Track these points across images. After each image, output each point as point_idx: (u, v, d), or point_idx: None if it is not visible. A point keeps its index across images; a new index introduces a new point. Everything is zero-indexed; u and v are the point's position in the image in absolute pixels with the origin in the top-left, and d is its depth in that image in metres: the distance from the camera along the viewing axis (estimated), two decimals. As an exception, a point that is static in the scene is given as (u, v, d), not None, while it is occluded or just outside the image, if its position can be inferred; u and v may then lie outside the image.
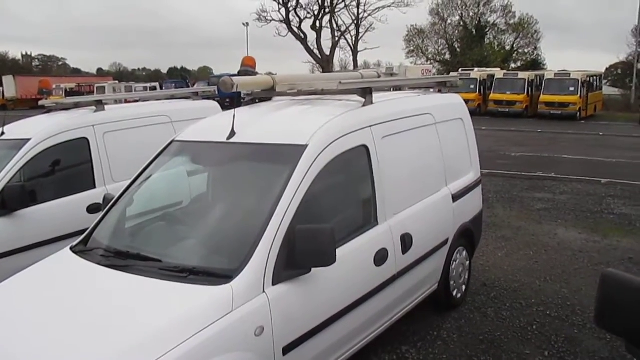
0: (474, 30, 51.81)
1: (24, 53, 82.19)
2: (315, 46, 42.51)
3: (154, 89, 45.59)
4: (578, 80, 26.30)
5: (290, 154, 3.42)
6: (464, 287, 5.35)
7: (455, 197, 4.95)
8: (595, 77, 30.10)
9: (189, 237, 3.40)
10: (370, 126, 3.94)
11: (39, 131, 5.55)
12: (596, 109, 29.69)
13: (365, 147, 3.87)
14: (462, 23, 52.21)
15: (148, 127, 6.42)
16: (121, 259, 3.26)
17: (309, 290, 3.22)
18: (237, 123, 3.63)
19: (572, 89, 26.07)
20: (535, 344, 4.51)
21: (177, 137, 4.22)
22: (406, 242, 4.04)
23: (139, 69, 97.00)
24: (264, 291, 2.98)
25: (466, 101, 5.85)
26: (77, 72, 77.38)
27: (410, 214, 4.25)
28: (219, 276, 2.95)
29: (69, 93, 48.85)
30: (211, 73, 61.13)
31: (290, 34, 41.54)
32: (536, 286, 5.74)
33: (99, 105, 6.16)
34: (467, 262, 5.37)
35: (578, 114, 26.31)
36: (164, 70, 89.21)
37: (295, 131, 3.65)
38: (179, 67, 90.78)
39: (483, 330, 4.74)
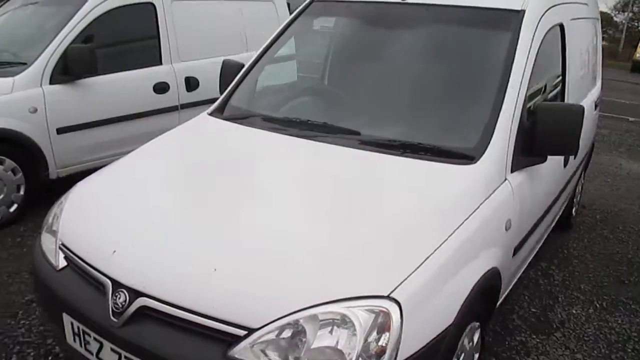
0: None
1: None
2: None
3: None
4: None
5: (505, 19, 2.74)
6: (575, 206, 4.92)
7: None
8: None
9: (389, 109, 2.70)
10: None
11: (101, -12, 4.59)
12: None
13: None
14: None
15: (215, 1, 5.52)
16: (305, 129, 2.57)
17: (535, 184, 2.63)
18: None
19: None
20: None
21: (315, -5, 3.42)
22: None
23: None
24: (506, 179, 2.36)
25: None
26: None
27: None
28: (459, 156, 2.30)
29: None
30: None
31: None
32: (636, 210, 5.39)
33: (164, -33, 5.17)
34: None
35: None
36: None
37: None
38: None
39: (612, 251, 4.38)
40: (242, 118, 2.81)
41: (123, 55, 4.76)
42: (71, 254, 2.01)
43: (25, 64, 4.16)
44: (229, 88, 3.15)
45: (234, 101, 3.06)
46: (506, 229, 2.30)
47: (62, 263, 2.04)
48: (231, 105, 3.03)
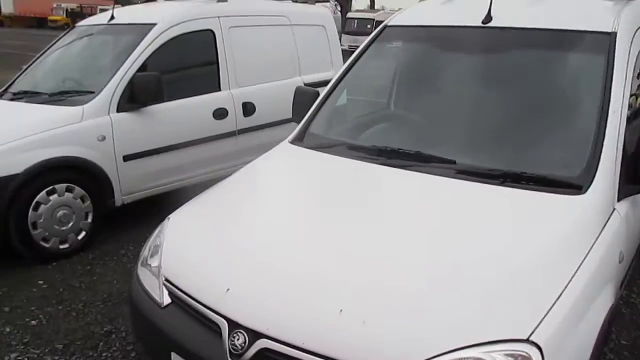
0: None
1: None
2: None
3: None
4: None
5: (596, 42, 2.65)
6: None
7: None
8: None
9: (484, 137, 2.62)
10: None
11: (164, 16, 4.70)
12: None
13: None
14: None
15: (269, 27, 5.60)
16: (395, 158, 2.50)
17: (637, 212, 2.50)
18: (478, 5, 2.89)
19: None
20: None
21: (391, 22, 3.40)
22: None
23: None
24: (614, 208, 2.24)
25: None
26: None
27: None
28: (565, 185, 2.21)
29: (70, 13, 46.76)
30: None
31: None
32: None
33: (221, -7, 5.23)
34: None
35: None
36: None
37: (588, 15, 2.84)
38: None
39: None
40: (327, 147, 2.76)
41: (185, 82, 4.80)
42: (177, 291, 1.97)
43: (92, 92, 4.21)
44: (307, 116, 3.11)
45: (314, 129, 3.02)
46: (619, 261, 2.19)
47: (167, 300, 2.00)
48: (311, 133, 2.99)
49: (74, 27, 5.41)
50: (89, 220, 4.10)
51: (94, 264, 3.92)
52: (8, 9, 47.73)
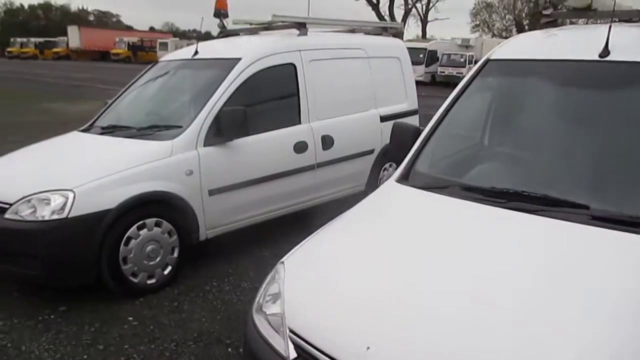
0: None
1: (80, 7, 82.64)
2: (387, 13, 40.74)
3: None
4: None
5: None
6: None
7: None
8: None
9: (617, 179, 2.42)
10: None
11: (249, 51, 4.72)
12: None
13: None
14: (532, -1, 49.78)
15: (346, 60, 5.60)
16: (519, 201, 2.33)
17: None
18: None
19: None
20: None
21: (493, 56, 3.24)
22: None
23: (189, 30, 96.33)
24: None
25: None
26: (130, 28, 77.31)
27: None
28: None
29: (132, 47, 48.96)
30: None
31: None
32: None
33: (303, 28, 5.22)
34: None
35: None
36: (214, 33, 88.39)
37: None
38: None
39: None
40: (439, 187, 2.62)
41: (267, 115, 4.79)
42: (306, 344, 1.84)
43: (180, 127, 4.24)
44: (411, 153, 2.97)
45: (420, 167, 2.88)
46: None
47: (293, 354, 1.88)
48: (418, 171, 2.85)
49: (156, 62, 5.52)
50: (175, 255, 4.08)
51: (180, 300, 3.87)
52: (75, 43, 50.40)
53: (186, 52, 5.31)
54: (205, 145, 4.22)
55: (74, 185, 3.59)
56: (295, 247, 2.44)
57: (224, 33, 5.86)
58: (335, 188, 5.45)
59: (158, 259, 3.95)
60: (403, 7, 41.48)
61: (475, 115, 3.24)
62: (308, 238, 2.49)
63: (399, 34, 6.52)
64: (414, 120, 6.48)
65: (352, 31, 6.37)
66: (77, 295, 3.81)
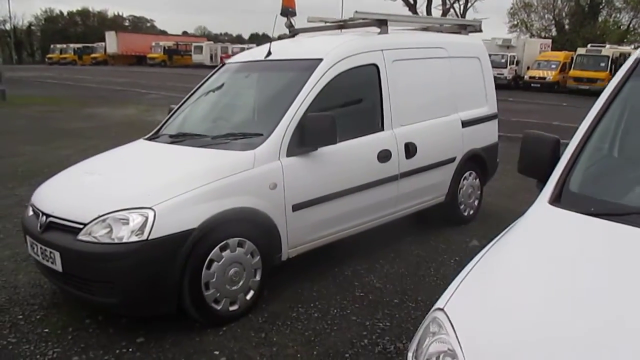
0: (587, 6, 47.79)
1: (115, 13, 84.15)
2: (424, 13, 40.00)
3: (251, 51, 45.13)
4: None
5: None
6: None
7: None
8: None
9: None
10: None
11: (330, 50, 4.29)
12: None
13: None
14: (574, -3, 48.40)
15: (427, 60, 5.14)
16: None
17: None
18: None
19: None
20: None
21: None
22: None
23: (221, 33, 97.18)
24: None
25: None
26: (164, 33, 78.24)
27: None
28: None
29: (168, 51, 49.37)
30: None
31: (400, -1, 39.02)
32: None
33: (384, 26, 4.77)
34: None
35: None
36: (245, 36, 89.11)
37: None
38: (260, 34, 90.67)
39: None
40: (612, 214, 2.11)
41: (349, 121, 4.34)
42: None
43: (261, 135, 3.83)
44: (560, 170, 2.48)
45: (574, 187, 2.39)
46: None
47: None
48: (573, 192, 2.36)
49: (223, 64, 5.13)
50: (257, 277, 3.66)
51: (267, 330, 3.45)
52: (113, 48, 51.12)
53: (257, 53, 4.91)
54: (288, 155, 3.80)
55: (153, 202, 3.21)
56: (449, 290, 1.97)
57: (292, 32, 5.44)
58: (417, 200, 4.99)
59: (241, 282, 3.54)
60: (441, 7, 40.60)
61: (635, 125, 2.71)
62: (461, 277, 2.02)
63: (477, 32, 6.01)
64: (494, 126, 5.99)
65: (425, 29, 5.91)
66: (154, 324, 3.43)
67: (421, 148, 4.78)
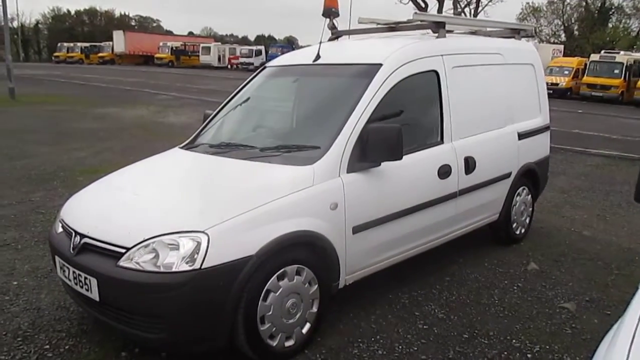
0: (596, 12, 47.54)
1: (121, 13, 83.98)
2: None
3: (259, 52, 44.86)
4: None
5: None
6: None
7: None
8: None
9: None
10: None
11: (389, 55, 3.87)
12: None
13: None
14: (583, 3, 48.02)
15: (485, 66, 4.68)
16: None
17: None
18: None
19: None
20: None
21: None
22: None
23: (226, 34, 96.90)
24: None
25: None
26: (170, 33, 77.94)
27: None
28: None
29: (175, 51, 49.04)
30: (295, 43, 59.30)
31: (411, 2, 38.51)
32: None
33: (441, 29, 4.36)
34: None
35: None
36: (251, 38, 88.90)
37: None
38: (265, 35, 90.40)
39: None
40: None
41: (410, 134, 3.91)
42: None
43: (317, 147, 3.42)
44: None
45: None
46: None
47: None
48: None
49: (264, 67, 4.73)
50: (314, 309, 3.25)
51: (327, 370, 3.04)
52: (120, 48, 50.83)
53: (301, 56, 4.51)
54: (348, 171, 3.39)
55: (206, 225, 2.80)
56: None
57: (335, 34, 5.04)
58: (473, 219, 4.59)
59: (298, 315, 3.14)
60: (452, 11, 40.18)
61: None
62: (604, 344, 1.61)
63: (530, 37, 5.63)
64: (546, 138, 5.60)
65: (474, 33, 5.51)
66: (201, 361, 3.03)
67: (480, 163, 4.37)
